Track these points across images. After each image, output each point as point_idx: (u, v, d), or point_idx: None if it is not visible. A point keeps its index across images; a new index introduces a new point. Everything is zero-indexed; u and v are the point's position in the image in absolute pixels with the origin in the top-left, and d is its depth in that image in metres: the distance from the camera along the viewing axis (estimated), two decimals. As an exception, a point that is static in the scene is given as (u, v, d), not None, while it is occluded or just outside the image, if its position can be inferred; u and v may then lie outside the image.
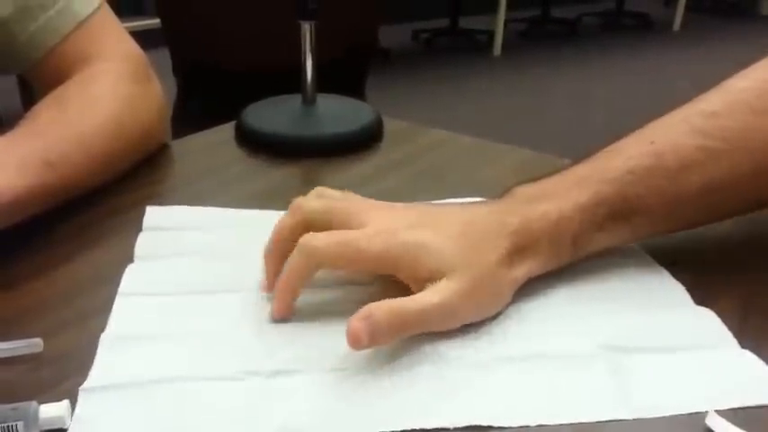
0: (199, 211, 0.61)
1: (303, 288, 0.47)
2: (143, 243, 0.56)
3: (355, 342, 0.42)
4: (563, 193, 0.49)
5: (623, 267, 0.53)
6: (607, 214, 0.49)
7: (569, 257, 0.50)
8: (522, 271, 0.48)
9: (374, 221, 0.47)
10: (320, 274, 0.47)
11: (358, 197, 0.51)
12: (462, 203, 0.53)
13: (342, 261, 0.46)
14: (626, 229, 0.50)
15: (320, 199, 0.50)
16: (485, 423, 0.39)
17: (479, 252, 0.46)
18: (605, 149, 0.52)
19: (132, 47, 0.74)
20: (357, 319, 0.42)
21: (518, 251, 0.47)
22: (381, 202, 0.51)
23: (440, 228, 0.47)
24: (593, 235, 0.49)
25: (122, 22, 0.75)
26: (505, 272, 0.47)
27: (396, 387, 0.41)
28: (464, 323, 0.46)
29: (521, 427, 0.39)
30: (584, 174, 0.50)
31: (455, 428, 0.38)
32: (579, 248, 0.50)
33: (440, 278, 0.44)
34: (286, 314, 0.47)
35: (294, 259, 0.46)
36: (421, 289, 0.45)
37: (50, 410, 0.37)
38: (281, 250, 0.48)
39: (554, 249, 0.49)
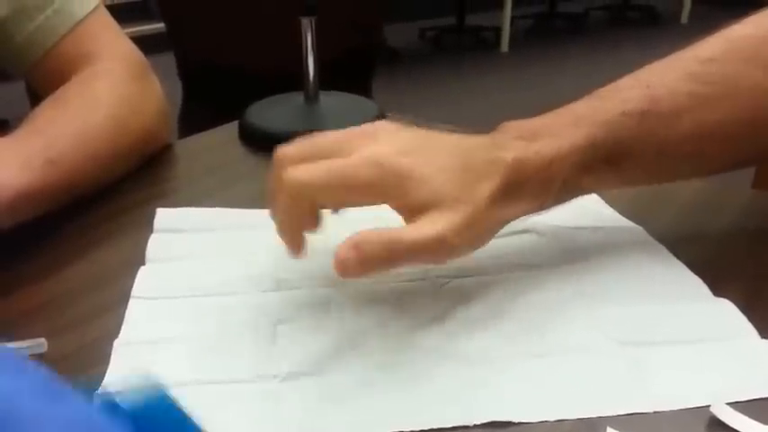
0: (209, 212, 0.61)
1: (309, 225, 0.45)
2: (155, 245, 0.56)
3: (343, 270, 0.41)
4: (557, 132, 0.47)
5: (641, 261, 0.52)
6: (598, 156, 0.47)
7: (553, 201, 0.48)
8: (512, 210, 0.46)
9: (361, 149, 0.44)
10: (327, 271, 0.47)
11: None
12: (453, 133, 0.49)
13: (329, 191, 0.44)
14: (614, 174, 0.49)
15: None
16: (504, 419, 0.38)
17: (471, 186, 0.44)
18: (602, 89, 0.50)
19: (130, 47, 0.74)
20: (346, 248, 0.40)
21: (510, 188, 0.45)
22: (369, 125, 0.47)
23: (430, 155, 0.44)
24: (581, 177, 0.48)
25: (127, 26, 0.75)
26: (496, 209, 0.45)
27: (412, 386, 0.41)
28: (454, 258, 0.45)
29: (540, 422, 0.38)
30: (579, 113, 0.48)
31: (474, 426, 0.38)
32: (565, 192, 0.48)
33: (431, 210, 0.43)
34: (300, 251, 0.46)
35: (283, 202, 0.44)
36: (412, 220, 0.43)
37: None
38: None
39: (543, 191, 0.47)
